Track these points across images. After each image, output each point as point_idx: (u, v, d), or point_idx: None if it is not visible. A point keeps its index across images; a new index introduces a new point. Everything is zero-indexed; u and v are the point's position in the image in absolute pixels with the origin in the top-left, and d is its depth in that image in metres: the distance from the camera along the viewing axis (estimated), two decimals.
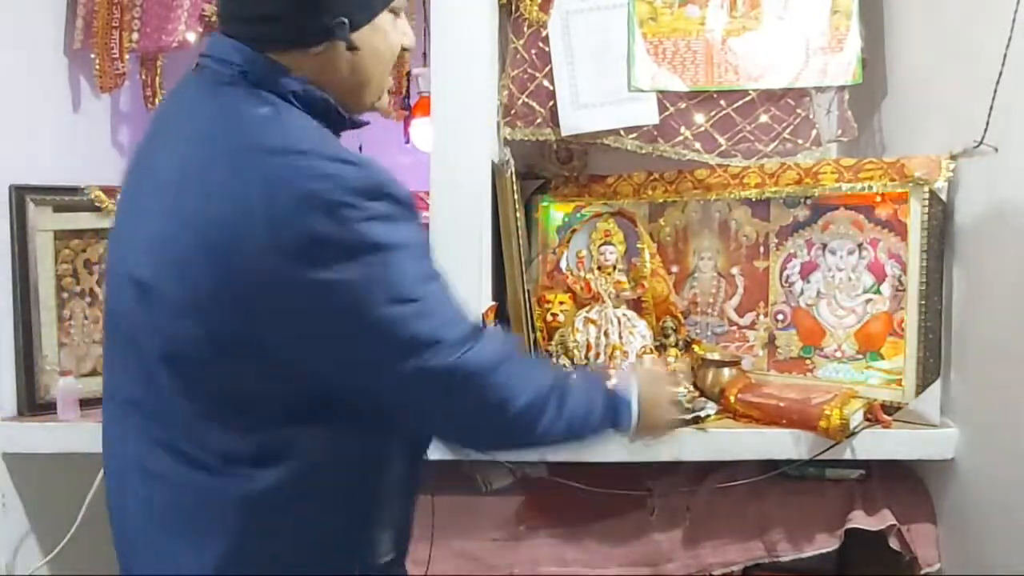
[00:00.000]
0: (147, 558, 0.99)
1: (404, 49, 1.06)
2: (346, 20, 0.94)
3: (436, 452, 1.12)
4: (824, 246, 1.85)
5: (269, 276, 0.85)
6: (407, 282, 0.89)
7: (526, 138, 1.97)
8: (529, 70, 1.97)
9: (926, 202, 1.66)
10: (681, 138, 1.94)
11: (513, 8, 1.95)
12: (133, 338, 0.95)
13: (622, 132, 1.94)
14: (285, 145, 0.89)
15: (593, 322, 1.93)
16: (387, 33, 1.01)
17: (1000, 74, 1.48)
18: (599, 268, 1.98)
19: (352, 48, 0.96)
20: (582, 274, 1.98)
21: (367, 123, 1.08)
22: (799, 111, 1.92)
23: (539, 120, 1.96)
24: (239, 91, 0.94)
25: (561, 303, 1.96)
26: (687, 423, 1.68)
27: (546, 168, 2.13)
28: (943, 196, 1.66)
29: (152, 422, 0.95)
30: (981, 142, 1.56)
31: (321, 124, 0.96)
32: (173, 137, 0.97)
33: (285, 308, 0.87)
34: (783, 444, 1.67)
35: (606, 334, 1.90)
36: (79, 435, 1.69)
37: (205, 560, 0.94)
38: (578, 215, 2.08)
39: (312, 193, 0.85)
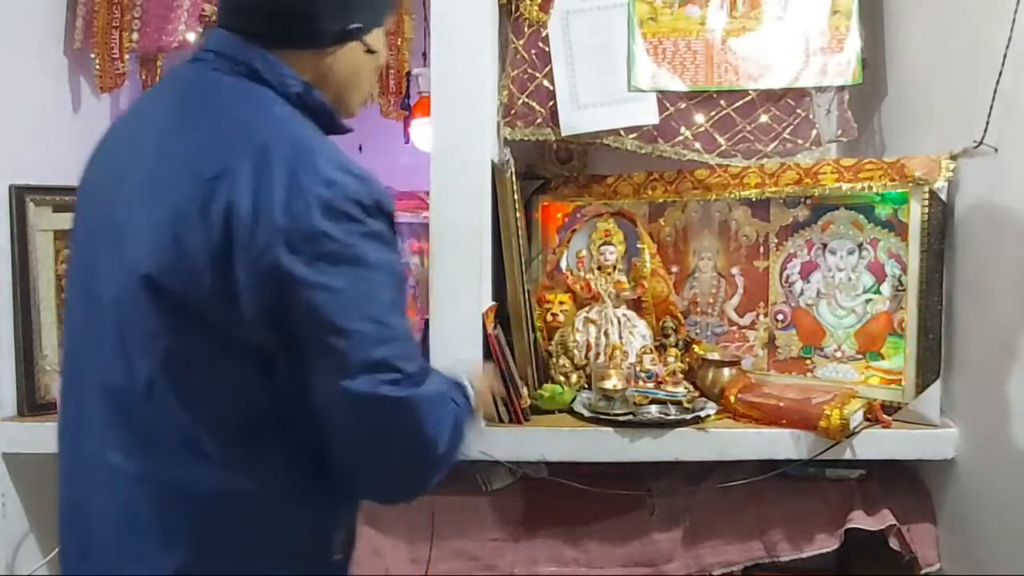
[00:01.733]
0: (110, 558, 0.95)
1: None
2: (362, 25, 1.00)
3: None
4: (824, 246, 1.85)
5: (271, 267, 0.86)
6: (382, 305, 0.91)
7: (526, 138, 1.97)
8: (529, 70, 1.97)
9: (926, 202, 1.66)
10: (681, 138, 1.94)
11: (513, 8, 1.95)
12: (120, 323, 0.93)
13: (622, 132, 1.94)
14: (304, 147, 0.91)
15: (593, 322, 1.93)
16: (381, 44, 1.07)
17: (1000, 74, 1.49)
18: (599, 268, 1.98)
19: (370, 51, 1.02)
20: (582, 274, 1.98)
21: (351, 130, 1.10)
22: (799, 111, 1.92)
23: (539, 120, 1.97)
24: (247, 86, 0.96)
25: (561, 303, 1.96)
26: (686, 423, 1.68)
27: (546, 168, 2.13)
28: (943, 196, 1.66)
29: (129, 414, 0.93)
30: (981, 142, 1.56)
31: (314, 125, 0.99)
32: (177, 124, 0.95)
33: (275, 299, 0.87)
34: (783, 444, 1.67)
35: (606, 334, 1.91)
36: None
37: (174, 560, 0.93)
38: (578, 215, 2.08)
39: (323, 198, 0.87)
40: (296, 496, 0.98)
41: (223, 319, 0.89)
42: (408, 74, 1.99)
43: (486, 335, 1.67)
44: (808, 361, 1.88)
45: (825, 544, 1.73)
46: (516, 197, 1.79)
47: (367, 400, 0.90)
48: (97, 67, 1.95)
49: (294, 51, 0.98)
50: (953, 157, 1.64)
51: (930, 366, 1.67)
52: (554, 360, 1.88)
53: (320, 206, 0.87)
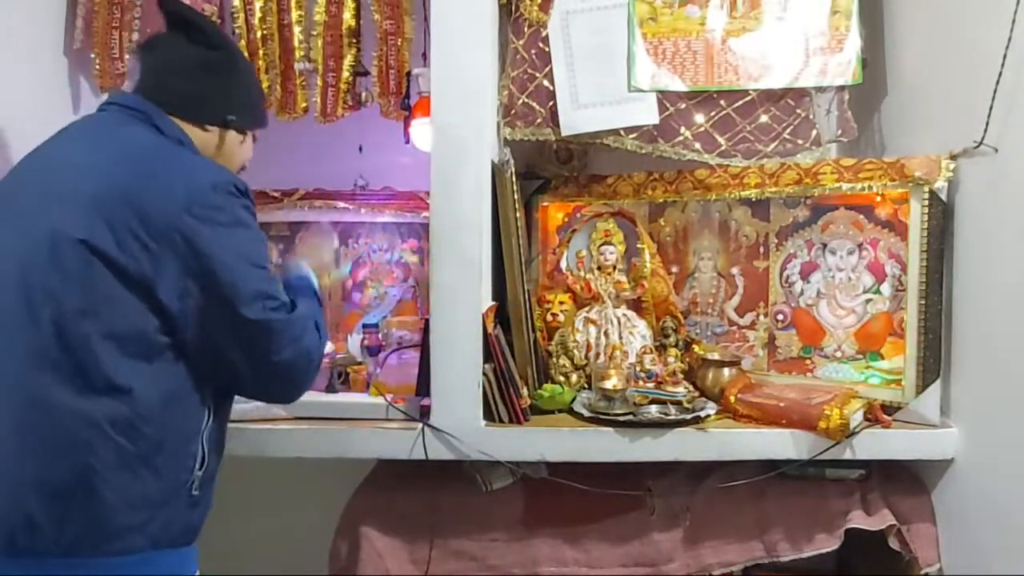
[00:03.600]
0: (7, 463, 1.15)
1: (242, 167, 1.50)
2: (236, 119, 1.41)
3: None
4: (824, 246, 1.85)
5: (179, 230, 1.18)
6: (260, 256, 1.28)
7: (526, 138, 1.97)
8: (529, 70, 1.97)
9: (926, 202, 1.67)
10: (681, 138, 1.94)
11: (513, 8, 1.96)
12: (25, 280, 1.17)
13: (622, 132, 1.94)
14: (194, 154, 1.34)
15: (593, 322, 1.93)
16: (246, 147, 1.49)
17: (1000, 74, 1.49)
18: (599, 268, 1.98)
19: (243, 133, 1.46)
20: (582, 274, 1.98)
21: None
22: (799, 111, 1.92)
23: (539, 120, 1.97)
24: (168, 143, 1.31)
25: (561, 303, 1.96)
26: (686, 423, 1.69)
27: (546, 168, 2.13)
28: (943, 196, 1.66)
29: (32, 341, 1.15)
30: (981, 142, 1.56)
31: None
32: (88, 144, 1.28)
33: (182, 255, 1.18)
34: (783, 444, 1.67)
35: (606, 334, 1.91)
36: None
37: (54, 475, 1.13)
38: (578, 215, 2.08)
39: (217, 182, 1.24)
40: (169, 431, 1.22)
41: (134, 272, 1.17)
42: (408, 74, 1.98)
43: (486, 335, 1.67)
44: (808, 361, 1.88)
45: (825, 544, 1.73)
46: (516, 197, 1.79)
47: (256, 324, 1.23)
48: (97, 67, 1.95)
49: (188, 122, 1.36)
50: (953, 157, 1.65)
51: (930, 366, 1.67)
52: (554, 360, 1.88)
53: (216, 189, 1.23)
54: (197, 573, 1.33)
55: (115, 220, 1.16)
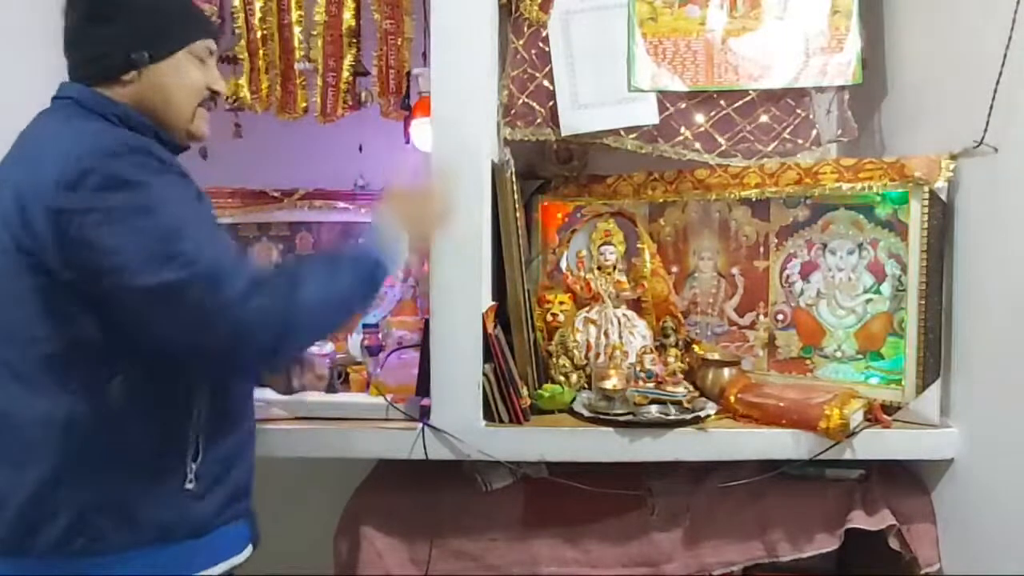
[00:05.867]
0: None
1: (215, 92, 1.33)
2: (147, 54, 1.23)
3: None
4: (824, 246, 1.85)
5: (77, 206, 1.08)
6: (165, 227, 1.10)
7: (526, 138, 1.97)
8: (529, 70, 1.97)
9: (926, 202, 1.66)
10: (681, 138, 1.94)
11: (513, 8, 1.95)
12: None
13: (622, 132, 1.94)
14: (96, 133, 1.17)
15: (593, 322, 1.93)
16: (188, 71, 1.28)
17: (1000, 74, 1.49)
18: (599, 268, 1.98)
19: (170, 58, 1.25)
20: (582, 274, 1.98)
21: (186, 147, 1.34)
22: (799, 111, 1.92)
23: (539, 120, 1.97)
24: (79, 115, 1.21)
25: (561, 303, 1.96)
26: (686, 423, 1.68)
27: (546, 168, 2.13)
28: (943, 196, 1.66)
29: None
30: (981, 142, 1.56)
31: (154, 143, 1.21)
32: (23, 149, 1.20)
33: (91, 227, 1.07)
34: (783, 444, 1.67)
35: (606, 334, 1.91)
36: None
37: (26, 481, 1.12)
38: (578, 215, 2.08)
39: (82, 170, 1.09)
40: (140, 425, 1.16)
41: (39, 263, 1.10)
42: (408, 74, 1.99)
43: (486, 335, 1.67)
44: (808, 361, 1.88)
45: (825, 544, 1.73)
46: (516, 197, 1.79)
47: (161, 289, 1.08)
48: None
49: (107, 84, 1.23)
50: (953, 157, 1.64)
51: (930, 366, 1.67)
52: (554, 360, 1.88)
53: (105, 154, 1.10)
54: (231, 561, 1.28)
55: (9, 220, 1.12)
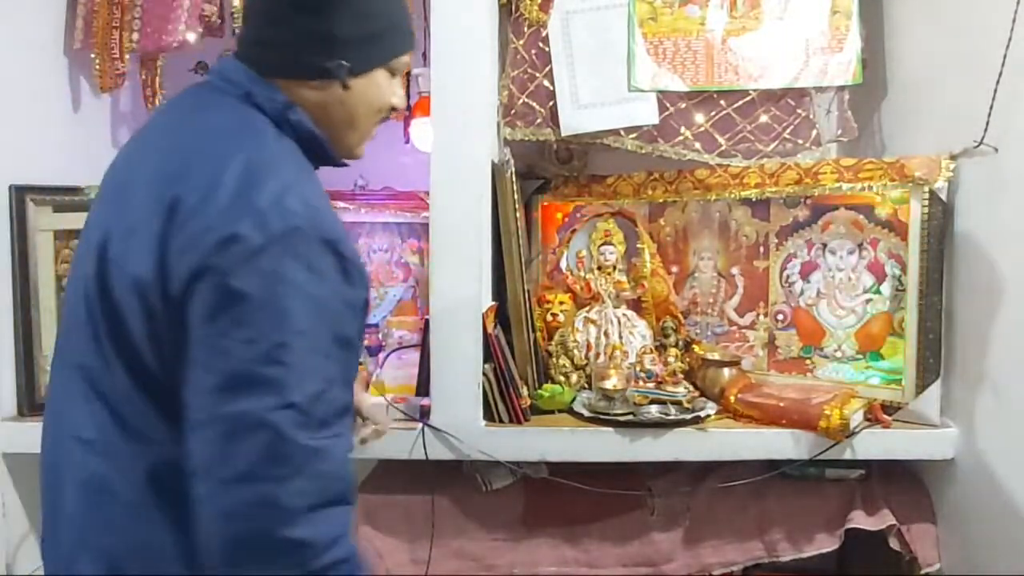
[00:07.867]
0: (76, 528, 0.97)
1: (393, 108, 1.14)
2: (346, 64, 1.02)
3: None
4: (824, 246, 1.85)
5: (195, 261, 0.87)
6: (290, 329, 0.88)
7: (526, 138, 1.97)
8: (529, 70, 1.97)
9: (926, 202, 1.66)
10: (681, 138, 1.94)
11: (513, 8, 1.95)
12: (91, 307, 0.96)
13: (622, 132, 1.94)
14: (266, 164, 0.93)
15: (593, 322, 1.93)
16: (381, 88, 1.09)
17: (1000, 74, 1.49)
18: (599, 268, 1.98)
19: (346, 87, 1.04)
20: (582, 274, 1.98)
21: (346, 165, 1.16)
22: (799, 111, 1.92)
23: (539, 120, 1.97)
24: (239, 107, 1.01)
25: (561, 303, 1.96)
26: (686, 423, 1.69)
27: (546, 168, 2.13)
28: (943, 196, 1.66)
29: (95, 388, 0.96)
30: (981, 142, 1.56)
31: (303, 154, 1.03)
32: (169, 137, 1.01)
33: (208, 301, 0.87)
34: (783, 444, 1.67)
35: (606, 334, 1.91)
36: None
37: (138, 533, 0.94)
38: (578, 215, 2.08)
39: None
40: None
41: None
42: (408, 74, 1.98)
43: (486, 335, 1.67)
44: (808, 361, 1.88)
45: (825, 544, 1.73)
46: (516, 197, 1.79)
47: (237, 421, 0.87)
48: (97, 67, 1.95)
49: (288, 80, 1.02)
50: (953, 157, 1.64)
51: (930, 366, 1.67)
52: (554, 360, 1.88)
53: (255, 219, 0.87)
54: None
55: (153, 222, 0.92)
